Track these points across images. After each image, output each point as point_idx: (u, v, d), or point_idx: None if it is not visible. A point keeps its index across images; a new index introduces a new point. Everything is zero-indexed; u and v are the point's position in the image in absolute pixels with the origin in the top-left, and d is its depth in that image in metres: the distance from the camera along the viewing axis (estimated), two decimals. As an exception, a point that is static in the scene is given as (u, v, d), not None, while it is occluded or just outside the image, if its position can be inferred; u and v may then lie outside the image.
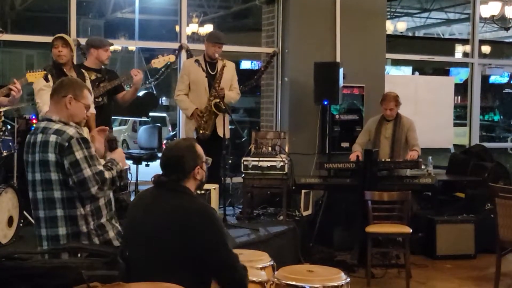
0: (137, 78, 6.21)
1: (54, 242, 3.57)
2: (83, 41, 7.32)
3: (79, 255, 3.23)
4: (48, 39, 7.61)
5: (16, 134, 6.15)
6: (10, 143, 5.99)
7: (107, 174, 3.59)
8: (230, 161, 7.20)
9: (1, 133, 5.90)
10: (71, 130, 3.55)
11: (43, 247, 3.61)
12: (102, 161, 3.78)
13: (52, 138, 3.53)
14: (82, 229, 3.57)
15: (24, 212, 5.79)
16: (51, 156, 3.52)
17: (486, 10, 8.45)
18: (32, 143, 3.63)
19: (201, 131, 6.84)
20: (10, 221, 5.53)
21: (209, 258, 3.21)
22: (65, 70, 5.85)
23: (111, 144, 3.92)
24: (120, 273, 2.96)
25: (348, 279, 3.90)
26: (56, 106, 3.69)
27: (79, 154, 3.50)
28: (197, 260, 3.19)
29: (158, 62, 6.53)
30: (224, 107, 6.67)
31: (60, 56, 5.81)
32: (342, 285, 3.82)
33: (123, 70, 16.45)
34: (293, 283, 3.77)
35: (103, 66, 6.34)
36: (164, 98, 21.64)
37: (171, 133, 16.19)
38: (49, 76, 5.71)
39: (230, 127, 7.11)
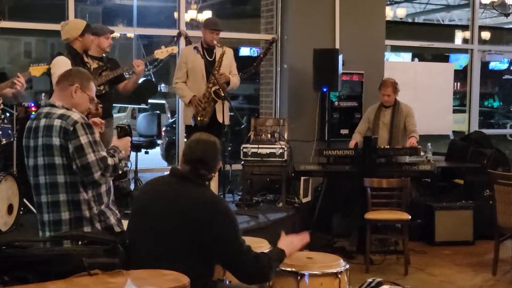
0: (139, 69, 6.19)
1: (56, 227, 3.57)
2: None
3: (79, 242, 3.24)
4: (46, 26, 7.60)
5: (15, 121, 6.15)
6: (9, 131, 5.99)
7: (110, 161, 3.60)
8: (229, 148, 7.21)
9: (0, 121, 5.90)
10: (75, 115, 3.56)
11: (45, 232, 3.62)
12: None
13: (57, 122, 3.53)
14: (85, 214, 3.57)
15: (24, 200, 5.80)
16: (55, 140, 3.52)
17: (486, -4, 8.44)
18: (34, 128, 3.63)
19: (199, 118, 6.82)
20: (10, 208, 5.56)
21: (222, 250, 3.27)
22: (84, 56, 5.90)
23: (119, 132, 3.92)
24: (120, 261, 2.97)
25: (347, 266, 3.92)
26: (61, 93, 3.69)
27: (83, 139, 3.51)
28: (207, 252, 3.25)
29: (161, 53, 6.50)
30: (223, 94, 6.67)
31: (93, 44, 5.98)
32: (341, 271, 3.84)
33: (123, 58, 16.43)
34: (293, 269, 3.78)
35: (104, 54, 6.31)
36: (163, 85, 21.58)
37: (170, 120, 16.16)
38: (69, 62, 5.68)
39: (229, 113, 7.11)
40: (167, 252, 3.21)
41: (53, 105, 3.64)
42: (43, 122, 3.59)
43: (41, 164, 3.58)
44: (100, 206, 3.64)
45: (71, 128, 3.50)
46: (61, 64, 5.62)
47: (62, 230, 3.53)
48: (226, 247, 3.28)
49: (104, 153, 3.59)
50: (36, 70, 5.21)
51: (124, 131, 3.95)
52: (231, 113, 7.25)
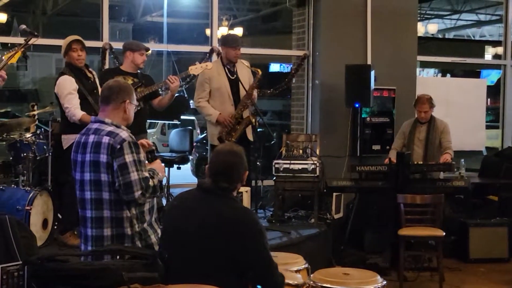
0: (174, 85, 6.18)
1: (98, 242, 3.61)
2: (115, 45, 7.38)
3: (117, 257, 3.26)
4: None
5: (50, 137, 6.21)
6: (44, 147, 6.06)
7: (151, 182, 3.62)
8: (258, 163, 7.19)
9: (36, 137, 5.97)
10: (124, 133, 3.60)
11: (87, 246, 3.65)
12: None
13: (105, 139, 3.57)
14: (127, 232, 3.60)
15: (58, 215, 5.83)
16: (103, 157, 3.56)
17: (519, 11, 8.37)
18: (83, 143, 3.67)
19: (228, 139, 6.72)
20: (44, 223, 5.59)
21: (250, 263, 3.25)
22: (85, 71, 5.85)
23: (150, 155, 3.96)
24: (159, 275, 2.98)
25: (384, 282, 3.89)
26: (113, 111, 3.74)
27: (128, 158, 3.54)
28: (238, 265, 3.22)
29: (196, 69, 6.47)
30: (257, 113, 6.68)
31: (79, 60, 5.78)
32: (379, 288, 3.81)
33: (153, 74, 16.57)
34: (329, 286, 3.76)
35: (138, 70, 6.33)
36: (191, 101, 21.72)
37: (200, 136, 16.23)
38: (73, 79, 5.68)
39: (260, 129, 7.09)
40: (199, 269, 3.19)
41: (102, 122, 3.69)
42: (92, 138, 3.63)
43: (88, 180, 3.62)
44: (142, 224, 3.67)
45: (118, 146, 3.54)
46: (66, 84, 5.64)
47: (104, 246, 3.56)
48: (255, 260, 3.25)
49: (147, 174, 3.62)
50: (12, 57, 5.12)
51: (153, 155, 4.00)
52: (262, 129, 7.23)
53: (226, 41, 6.91)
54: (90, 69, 5.96)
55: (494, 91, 11.49)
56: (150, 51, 6.53)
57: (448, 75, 14.73)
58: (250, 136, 6.82)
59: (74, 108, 5.57)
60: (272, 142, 11.39)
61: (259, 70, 6.91)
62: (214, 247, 3.21)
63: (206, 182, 3.41)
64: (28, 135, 5.96)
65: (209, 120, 6.88)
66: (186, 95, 8.94)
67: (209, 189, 3.37)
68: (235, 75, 6.81)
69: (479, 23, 18.15)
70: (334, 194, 7.22)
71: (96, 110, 5.60)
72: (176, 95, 6.56)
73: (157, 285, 2.82)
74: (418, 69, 9.63)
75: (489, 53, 17.69)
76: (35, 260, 3.05)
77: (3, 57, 5.01)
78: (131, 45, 6.32)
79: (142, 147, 3.90)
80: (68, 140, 5.65)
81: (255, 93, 6.95)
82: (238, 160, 3.42)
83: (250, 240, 3.23)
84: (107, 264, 3.02)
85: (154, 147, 4.15)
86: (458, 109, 9.09)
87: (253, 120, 6.72)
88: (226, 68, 6.81)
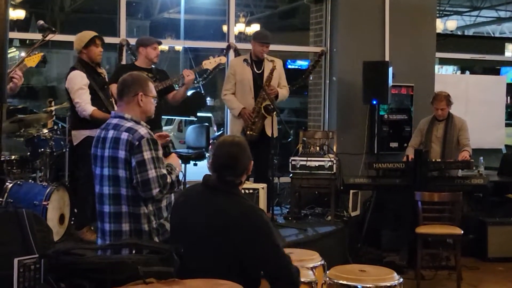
0: (189, 79, 6.21)
1: (116, 237, 3.62)
2: (132, 41, 7.39)
3: (133, 251, 3.26)
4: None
5: (67, 133, 6.23)
6: (61, 142, 6.08)
7: (169, 178, 3.61)
8: (275, 161, 7.17)
9: (53, 132, 5.99)
10: (143, 130, 3.60)
11: (105, 241, 3.65)
12: None
13: (124, 135, 3.57)
14: (144, 228, 3.60)
15: (75, 210, 5.85)
16: (121, 153, 3.56)
17: (540, 8, 8.31)
18: (103, 138, 3.68)
19: (248, 132, 6.77)
20: (61, 219, 5.60)
21: (262, 259, 3.21)
22: (96, 67, 5.82)
23: (165, 150, 3.95)
24: (175, 270, 2.97)
25: (401, 279, 3.85)
26: (128, 105, 3.74)
27: (147, 155, 3.54)
28: (247, 261, 3.19)
29: (210, 63, 6.50)
30: (273, 107, 6.63)
31: (99, 56, 5.76)
32: (395, 285, 3.78)
33: (170, 71, 16.61)
34: (346, 282, 3.74)
35: (153, 66, 6.34)
36: (209, 98, 21.77)
37: (217, 133, 16.27)
38: (84, 75, 5.64)
39: (278, 126, 7.07)
40: (208, 266, 3.16)
41: (122, 117, 3.68)
42: (111, 133, 3.64)
43: (106, 175, 3.63)
44: (159, 220, 3.67)
45: (137, 143, 3.54)
46: (77, 79, 5.62)
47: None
48: (267, 255, 3.19)
49: (164, 171, 3.62)
50: (31, 61, 5.15)
51: (169, 149, 3.98)
52: (279, 126, 7.21)
53: (255, 36, 7.05)
54: (101, 66, 5.96)
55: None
56: (167, 48, 6.54)
57: (467, 72, 14.60)
58: (269, 132, 6.78)
59: (84, 103, 5.56)
60: (289, 139, 11.39)
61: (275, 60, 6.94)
62: (222, 245, 3.17)
63: (211, 178, 3.35)
64: (45, 130, 5.98)
65: (233, 114, 6.97)
66: (203, 92, 8.94)
67: (214, 186, 3.32)
68: (261, 70, 6.86)
69: (499, 20, 18.01)
70: (351, 191, 7.19)
71: (107, 106, 5.62)
72: (193, 91, 6.58)
73: (172, 280, 2.81)
74: (436, 66, 9.58)
75: (509, 50, 17.56)
76: (52, 253, 3.06)
77: (25, 61, 5.04)
78: (143, 41, 6.35)
79: (160, 138, 3.88)
80: (78, 135, 5.66)
81: (283, 90, 6.92)
82: (242, 151, 3.36)
83: (258, 236, 3.18)
84: (123, 258, 3.02)
85: (169, 142, 4.14)
86: (477, 107, 9.02)
87: (274, 110, 6.61)
88: (253, 62, 6.83)
